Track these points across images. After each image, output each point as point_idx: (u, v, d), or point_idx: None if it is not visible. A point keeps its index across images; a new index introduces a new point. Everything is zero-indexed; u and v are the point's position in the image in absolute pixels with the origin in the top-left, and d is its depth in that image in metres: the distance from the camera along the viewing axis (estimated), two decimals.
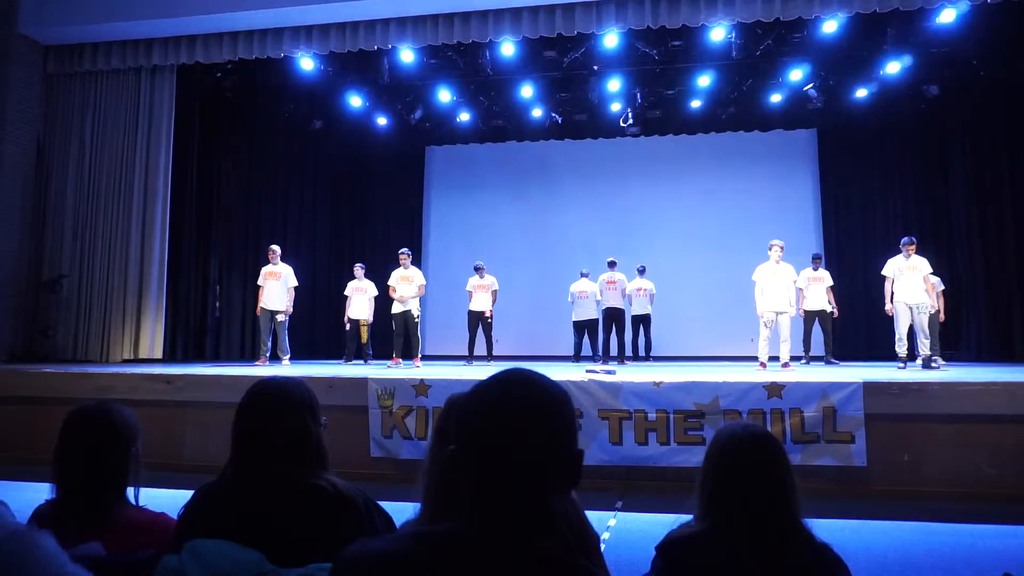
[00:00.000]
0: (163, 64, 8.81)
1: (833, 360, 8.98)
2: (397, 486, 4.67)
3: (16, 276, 8.36)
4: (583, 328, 10.33)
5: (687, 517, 1.67)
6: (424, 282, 8.66)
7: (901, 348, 7.35)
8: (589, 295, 10.22)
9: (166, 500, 1.97)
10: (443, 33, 8.04)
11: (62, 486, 1.69)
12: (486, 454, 0.92)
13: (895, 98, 10.46)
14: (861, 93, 10.56)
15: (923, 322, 7.24)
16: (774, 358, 7.66)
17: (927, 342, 7.28)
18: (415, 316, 8.45)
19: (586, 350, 10.40)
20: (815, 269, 9.19)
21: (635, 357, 10.78)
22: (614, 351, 10.10)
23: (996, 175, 9.54)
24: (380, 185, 13.28)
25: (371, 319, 9.39)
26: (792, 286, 8.00)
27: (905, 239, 7.59)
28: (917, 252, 7.46)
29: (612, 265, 10.22)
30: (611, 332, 10.16)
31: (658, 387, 5.32)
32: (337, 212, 12.77)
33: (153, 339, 8.66)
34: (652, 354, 10.90)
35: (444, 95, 10.90)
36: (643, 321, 10.81)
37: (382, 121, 11.99)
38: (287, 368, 8.07)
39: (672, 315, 11.45)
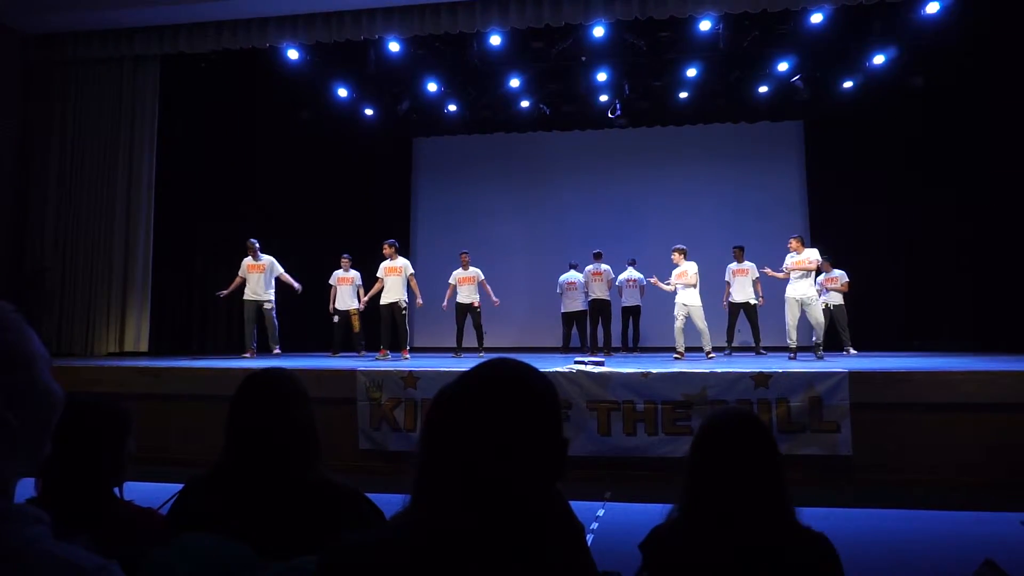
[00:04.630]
0: (146, 54, 8.69)
1: (763, 351, 9.19)
2: (386, 478, 4.67)
3: None
4: (571, 319, 10.36)
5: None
6: (412, 271, 8.62)
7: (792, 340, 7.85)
8: (577, 287, 10.25)
9: (152, 493, 1.96)
10: (430, 23, 7.98)
11: (50, 480, 1.65)
12: (472, 444, 0.92)
13: (881, 90, 10.52)
14: (847, 85, 10.62)
15: (813, 314, 7.69)
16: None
17: (820, 332, 7.70)
18: (403, 307, 8.40)
19: (575, 341, 10.43)
20: (739, 262, 9.34)
21: (624, 348, 10.82)
22: (602, 342, 10.14)
23: (981, 166, 9.61)
24: (368, 176, 13.21)
25: (361, 307, 9.33)
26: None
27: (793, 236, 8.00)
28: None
29: (597, 257, 10.25)
30: (598, 323, 10.18)
31: (646, 378, 5.35)
32: (324, 204, 12.67)
33: (138, 332, 8.58)
34: (640, 345, 10.93)
35: (431, 86, 10.84)
36: (633, 313, 10.84)
37: (369, 112, 11.92)
38: (276, 360, 8.03)
39: (661, 306, 11.47)
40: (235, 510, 1.51)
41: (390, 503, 1.65)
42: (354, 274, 9.45)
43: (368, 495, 1.64)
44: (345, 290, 9.42)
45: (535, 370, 1.00)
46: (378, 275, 8.59)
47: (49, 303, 8.53)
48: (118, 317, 8.57)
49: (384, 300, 8.45)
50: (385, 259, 8.54)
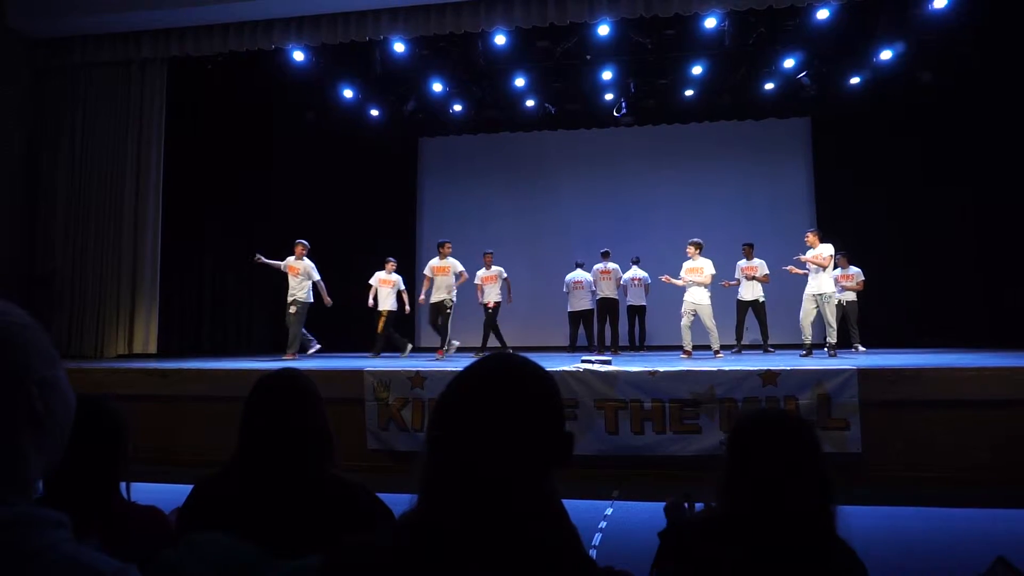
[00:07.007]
0: (153, 57, 8.73)
1: (771, 348, 9.18)
2: (394, 478, 4.67)
3: (7, 273, 8.28)
4: (578, 318, 10.35)
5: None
6: (461, 269, 8.79)
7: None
8: (584, 285, 10.24)
9: (161, 494, 1.97)
10: (435, 23, 7.98)
11: (55, 480, 1.65)
12: (469, 440, 0.92)
13: (888, 85, 10.45)
14: (854, 81, 10.55)
15: (827, 312, 7.53)
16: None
17: (832, 331, 7.52)
18: (447, 306, 8.54)
19: (582, 340, 10.42)
20: (748, 259, 9.33)
21: (631, 347, 10.80)
22: (609, 341, 10.12)
23: (991, 161, 9.55)
24: (374, 176, 13.21)
25: (407, 310, 9.45)
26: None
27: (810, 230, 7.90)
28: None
29: (605, 256, 10.24)
30: (605, 322, 10.17)
31: (654, 376, 5.33)
32: (331, 203, 12.69)
33: (147, 334, 8.61)
34: (646, 344, 10.90)
35: (437, 86, 10.84)
36: (638, 312, 10.80)
37: (375, 113, 11.93)
38: (286, 362, 8.03)
39: (667, 305, 11.45)
40: (246, 509, 1.52)
41: (399, 503, 1.65)
42: (396, 277, 9.37)
43: (377, 495, 1.65)
44: (385, 291, 9.32)
45: (533, 363, 0.99)
46: (425, 273, 8.75)
47: (59, 305, 8.58)
48: (127, 319, 8.60)
49: (434, 298, 8.61)
50: (434, 258, 8.72)
